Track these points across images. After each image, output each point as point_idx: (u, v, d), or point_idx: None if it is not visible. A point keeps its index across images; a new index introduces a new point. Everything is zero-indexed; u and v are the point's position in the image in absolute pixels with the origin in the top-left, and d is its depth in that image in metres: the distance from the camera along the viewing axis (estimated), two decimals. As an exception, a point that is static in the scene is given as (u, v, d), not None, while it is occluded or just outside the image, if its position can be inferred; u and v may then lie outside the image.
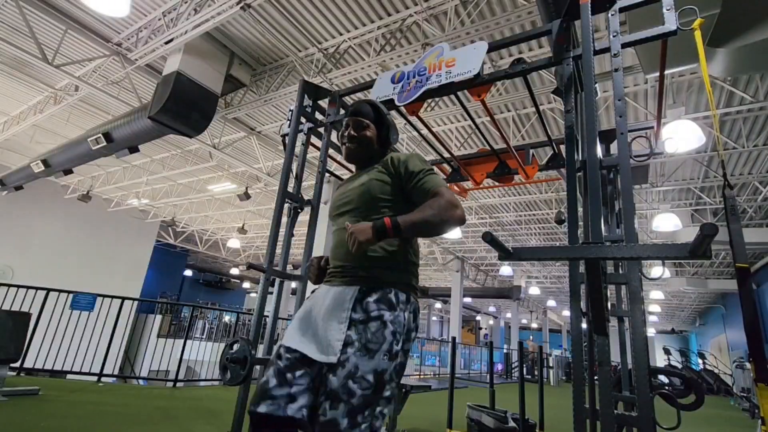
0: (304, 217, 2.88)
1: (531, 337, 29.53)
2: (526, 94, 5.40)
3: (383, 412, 1.17)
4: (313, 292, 1.45)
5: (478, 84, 2.26)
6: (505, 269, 15.35)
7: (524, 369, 5.59)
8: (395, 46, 4.99)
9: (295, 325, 1.33)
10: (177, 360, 5.77)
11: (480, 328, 29.02)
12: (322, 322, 1.26)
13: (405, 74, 2.48)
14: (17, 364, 4.52)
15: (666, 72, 2.19)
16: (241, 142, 8.09)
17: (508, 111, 6.40)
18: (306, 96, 2.93)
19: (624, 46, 1.81)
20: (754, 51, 2.74)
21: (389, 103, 2.49)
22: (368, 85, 2.76)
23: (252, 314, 4.58)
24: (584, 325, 1.82)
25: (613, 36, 1.80)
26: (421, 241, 1.31)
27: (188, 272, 21.33)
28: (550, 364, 14.34)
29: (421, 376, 12.62)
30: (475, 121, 2.86)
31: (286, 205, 2.71)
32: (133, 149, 6.48)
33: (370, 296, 1.24)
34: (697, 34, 1.73)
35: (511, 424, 3.43)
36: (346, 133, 1.50)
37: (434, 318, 31.56)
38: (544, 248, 1.63)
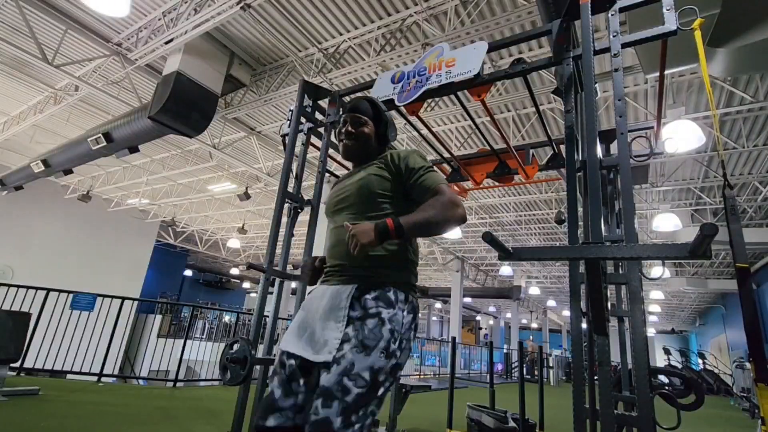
0: (304, 217, 2.88)
1: (531, 337, 29.53)
2: (526, 94, 5.40)
3: (374, 412, 1.14)
4: (310, 292, 1.43)
5: (478, 84, 2.26)
6: (505, 269, 15.35)
7: (524, 369, 5.59)
8: (395, 46, 4.99)
9: (294, 328, 1.32)
10: (177, 360, 5.77)
11: (480, 328, 29.02)
12: (320, 322, 1.25)
13: (405, 74, 2.48)
14: (17, 364, 4.52)
15: (666, 72, 2.19)
16: (241, 142, 8.09)
17: (508, 111, 6.40)
18: (306, 96, 2.94)
19: (624, 46, 1.81)
20: (754, 51, 2.74)
21: (389, 103, 2.49)
22: (368, 85, 2.76)
23: (252, 314, 4.58)
24: (584, 325, 1.82)
25: (613, 36, 1.80)
26: (420, 240, 1.29)
27: (188, 272, 21.33)
28: (550, 364, 14.34)
29: (421, 376, 12.62)
30: (475, 121, 2.86)
31: (286, 205, 2.71)
32: (133, 149, 6.48)
33: (369, 294, 1.23)
34: (697, 34, 1.73)
35: (511, 424, 3.43)
36: (343, 130, 1.48)
37: (434, 318, 31.56)
38: (544, 248, 1.63)
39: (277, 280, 2.71)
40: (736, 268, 1.57)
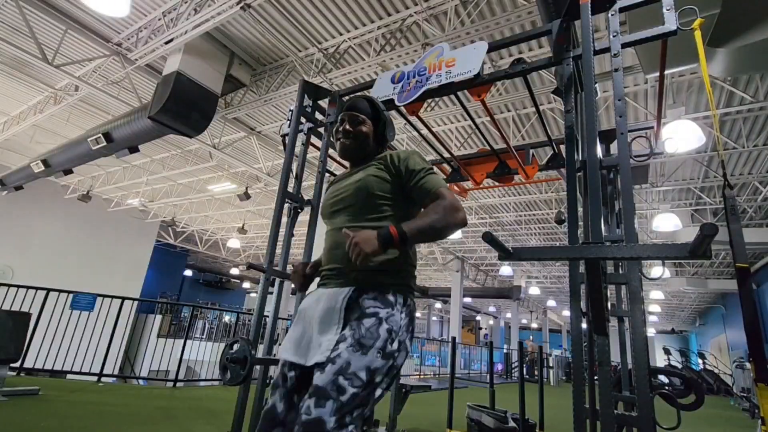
0: (304, 217, 2.88)
1: (531, 337, 29.53)
2: (526, 94, 5.40)
3: (363, 415, 1.10)
4: (308, 294, 1.41)
5: (478, 84, 2.26)
6: (505, 269, 15.35)
7: (524, 369, 5.59)
8: (395, 46, 4.99)
9: (292, 335, 1.29)
10: (177, 360, 5.77)
11: (480, 328, 29.02)
12: (317, 326, 1.22)
13: (405, 74, 2.48)
14: (17, 364, 4.52)
15: (666, 72, 2.19)
16: (241, 142, 8.09)
17: (508, 111, 6.40)
18: (306, 96, 2.94)
19: (624, 46, 1.81)
20: (754, 51, 2.74)
21: (389, 103, 2.49)
22: (368, 85, 2.76)
23: (252, 314, 4.58)
24: (584, 325, 1.82)
25: (613, 36, 1.80)
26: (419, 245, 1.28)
27: (188, 272, 21.33)
28: (550, 364, 14.34)
29: (421, 376, 12.62)
30: (475, 121, 2.86)
31: (286, 205, 2.71)
32: (133, 149, 6.48)
33: (366, 295, 1.21)
34: (697, 34, 1.73)
35: (511, 424, 3.43)
36: (340, 128, 1.44)
37: (434, 318, 31.56)
38: (544, 248, 1.63)
39: (277, 280, 2.71)
40: (736, 268, 1.57)
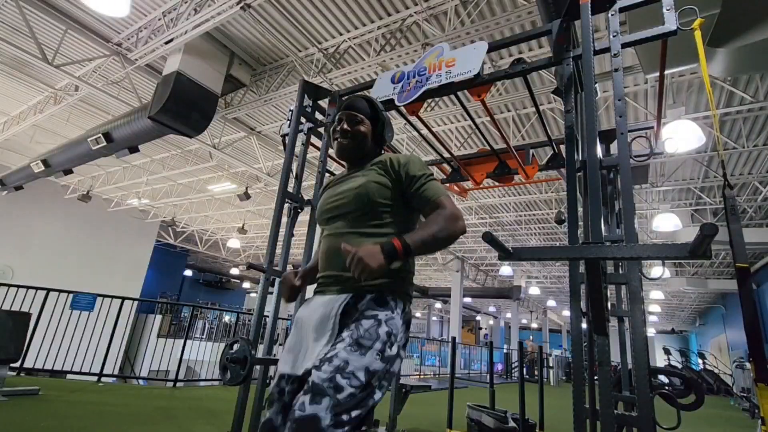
0: (304, 217, 2.89)
1: (531, 337, 29.53)
2: (526, 94, 5.40)
3: (360, 419, 1.06)
4: (304, 302, 1.36)
5: (478, 84, 2.26)
6: (505, 269, 15.35)
7: (524, 369, 5.59)
8: (395, 46, 4.99)
9: (288, 345, 1.25)
10: (177, 360, 5.77)
11: (480, 328, 29.02)
12: (313, 333, 1.19)
13: (405, 74, 2.48)
14: (17, 364, 4.52)
15: (666, 72, 2.20)
16: (241, 142, 8.09)
17: (508, 111, 6.40)
18: (306, 96, 2.94)
19: (624, 46, 1.81)
20: (754, 51, 2.74)
21: (389, 103, 2.49)
22: (368, 85, 2.76)
23: (252, 314, 4.58)
24: (584, 325, 1.82)
25: (613, 36, 1.80)
26: None
27: (188, 272, 21.33)
28: (550, 364, 14.34)
29: (421, 376, 12.62)
30: (475, 121, 2.86)
31: (286, 205, 2.71)
32: (133, 149, 6.48)
33: (365, 299, 1.18)
34: (697, 34, 1.73)
35: (511, 424, 3.43)
36: (338, 128, 1.40)
37: (434, 318, 31.55)
38: (544, 248, 1.63)
39: (277, 280, 2.71)
40: (736, 268, 1.57)
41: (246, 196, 9.68)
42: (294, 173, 2.86)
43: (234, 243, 14.80)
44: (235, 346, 2.02)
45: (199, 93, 5.48)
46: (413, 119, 2.80)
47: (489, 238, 1.33)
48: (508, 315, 25.79)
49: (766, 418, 1.43)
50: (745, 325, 1.55)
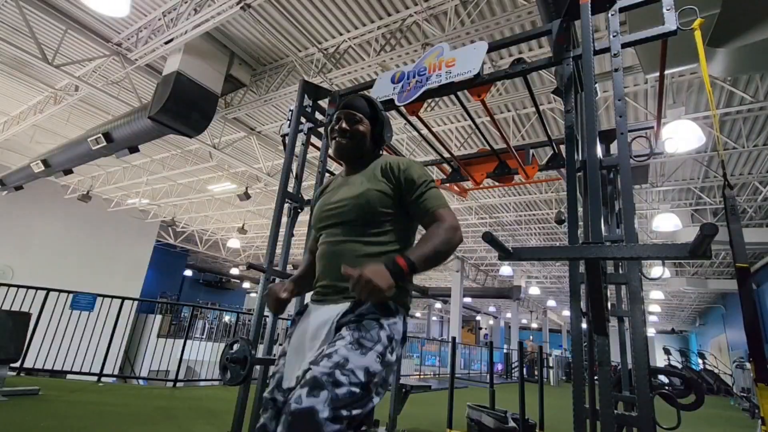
0: (304, 217, 2.88)
1: (531, 337, 29.53)
2: (526, 94, 5.40)
3: (359, 420, 1.02)
4: (299, 312, 1.33)
5: (478, 84, 2.26)
6: (505, 269, 15.35)
7: (524, 369, 5.59)
8: (395, 46, 4.99)
9: (288, 356, 1.21)
10: (177, 360, 5.77)
11: (480, 328, 29.02)
12: (309, 342, 1.16)
13: (405, 74, 2.48)
14: (17, 364, 4.52)
15: (666, 72, 2.20)
16: (241, 142, 8.09)
17: (508, 111, 6.40)
18: (306, 96, 2.94)
19: (624, 46, 1.81)
20: (754, 51, 2.74)
21: (389, 103, 2.49)
22: (368, 85, 2.76)
23: (252, 314, 4.58)
24: (584, 325, 1.82)
25: (613, 36, 1.80)
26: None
27: (188, 272, 21.32)
28: (550, 364, 14.34)
29: (421, 376, 12.62)
30: (475, 121, 2.86)
31: (286, 205, 2.71)
32: (133, 149, 6.48)
33: (365, 305, 1.15)
34: (697, 34, 1.73)
35: (511, 424, 3.43)
36: (336, 127, 1.36)
37: (434, 318, 31.55)
38: (544, 248, 1.63)
39: (277, 280, 2.71)
40: (736, 268, 1.57)
41: (246, 196, 9.68)
42: (294, 173, 2.86)
43: (234, 243, 14.80)
44: (235, 346, 2.02)
45: (199, 93, 5.48)
46: (413, 119, 2.80)
47: (489, 238, 1.33)
48: (508, 315, 25.79)
49: (766, 418, 1.43)
50: (745, 325, 1.55)
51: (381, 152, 1.45)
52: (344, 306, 1.16)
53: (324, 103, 3.04)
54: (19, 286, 4.95)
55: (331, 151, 1.41)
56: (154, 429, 3.18)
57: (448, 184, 3.64)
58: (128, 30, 5.48)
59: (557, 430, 4.40)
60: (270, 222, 2.65)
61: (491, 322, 28.68)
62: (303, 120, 2.95)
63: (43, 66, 5.45)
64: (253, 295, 24.25)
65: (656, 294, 15.46)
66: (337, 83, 5.67)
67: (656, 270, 8.51)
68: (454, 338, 4.42)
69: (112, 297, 5.56)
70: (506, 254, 1.42)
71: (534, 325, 28.44)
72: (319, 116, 3.05)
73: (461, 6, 4.49)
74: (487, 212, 10.81)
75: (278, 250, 2.60)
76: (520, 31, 4.41)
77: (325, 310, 1.20)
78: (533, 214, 10.45)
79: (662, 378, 5.69)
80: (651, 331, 23.18)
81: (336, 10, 4.82)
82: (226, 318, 16.15)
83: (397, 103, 2.47)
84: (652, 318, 22.21)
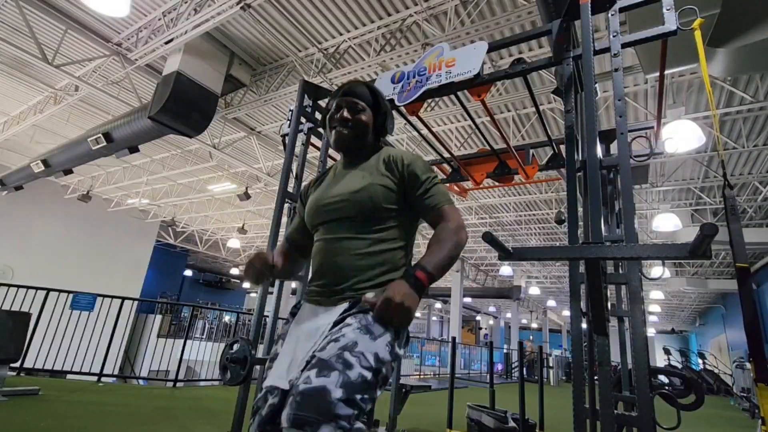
0: (304, 217, 2.88)
1: (531, 337, 29.53)
2: (526, 94, 5.40)
3: (371, 406, 0.97)
4: (293, 312, 1.25)
5: (478, 84, 2.26)
6: (505, 269, 15.35)
7: (524, 369, 5.59)
8: (395, 46, 4.99)
9: (279, 360, 1.13)
10: (177, 360, 5.77)
11: (480, 328, 29.02)
12: (306, 342, 1.08)
13: (405, 74, 2.48)
14: (17, 364, 4.51)
15: (666, 72, 2.20)
16: (241, 142, 8.09)
17: (508, 111, 6.40)
18: (306, 96, 2.94)
19: (624, 46, 1.81)
20: (754, 51, 2.74)
21: (389, 103, 2.49)
22: (368, 85, 2.75)
23: (252, 314, 4.58)
24: (584, 325, 1.82)
25: (613, 36, 1.80)
26: (417, 241, 1.22)
27: (188, 272, 21.33)
28: (550, 364, 14.34)
29: (421, 376, 12.62)
30: (475, 121, 2.86)
31: (286, 205, 2.71)
32: (133, 149, 6.48)
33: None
34: (697, 34, 1.73)
35: (511, 424, 3.43)
36: (337, 116, 1.27)
37: (434, 318, 31.56)
38: (544, 248, 1.63)
39: (277, 280, 2.71)
40: (736, 268, 1.57)
41: (246, 196, 9.68)
42: (294, 173, 2.85)
43: (234, 243, 14.80)
44: (235, 346, 2.02)
45: (199, 93, 5.48)
46: (413, 119, 2.80)
47: (489, 238, 1.33)
48: (508, 315, 25.79)
49: (766, 418, 1.43)
50: (745, 325, 1.55)
51: (381, 143, 1.38)
52: (343, 306, 1.11)
53: (324, 103, 3.04)
54: (19, 286, 4.94)
55: (330, 141, 1.32)
56: (154, 429, 3.18)
57: (448, 184, 3.64)
58: (128, 30, 5.48)
59: (557, 430, 4.40)
60: (270, 222, 2.65)
61: (491, 322, 28.68)
62: (303, 120, 2.95)
63: (43, 66, 5.45)
64: (253, 295, 24.23)
65: (656, 294, 15.46)
66: (337, 83, 5.67)
67: (656, 270, 8.51)
68: (454, 338, 4.42)
69: (112, 297, 5.56)
70: (506, 254, 1.42)
71: (534, 325, 28.45)
72: (319, 116, 3.05)
73: (461, 6, 4.49)
74: (487, 212, 10.81)
75: (278, 250, 2.60)
76: (520, 31, 4.41)
77: (323, 315, 1.13)
78: (533, 214, 10.45)
79: (662, 378, 5.69)
80: (651, 331, 23.18)
81: (336, 10, 4.82)
82: (226, 318, 16.16)
83: (397, 103, 2.47)
84: (652, 318, 22.21)
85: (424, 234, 11.96)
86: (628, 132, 1.70)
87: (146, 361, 12.11)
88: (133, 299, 6.39)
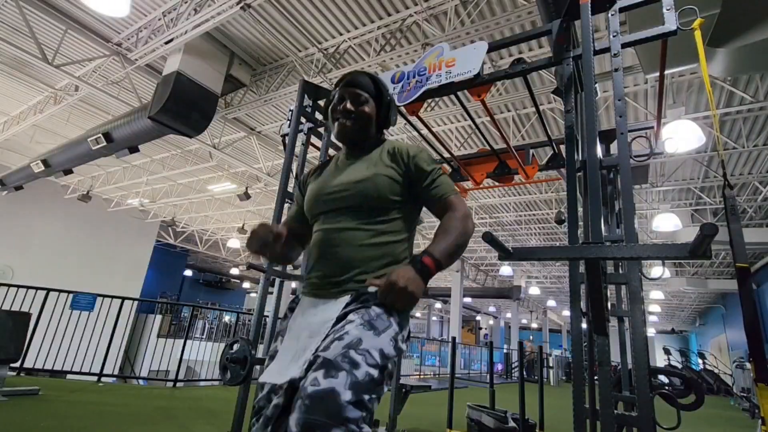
0: (304, 217, 2.87)
1: (531, 337, 29.53)
2: (526, 94, 5.40)
3: (376, 407, 0.95)
4: (291, 308, 1.22)
5: (478, 84, 2.26)
6: (505, 269, 15.35)
7: (524, 369, 5.59)
8: (395, 46, 4.99)
9: (279, 356, 1.11)
10: (177, 360, 5.77)
11: (480, 328, 29.03)
12: (308, 340, 1.05)
13: (405, 74, 2.47)
14: (17, 364, 4.51)
15: (666, 72, 2.19)
16: (241, 142, 8.09)
17: (508, 111, 6.40)
18: (306, 96, 2.94)
19: (624, 46, 1.81)
20: (754, 51, 2.74)
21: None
22: (368, 85, 2.75)
23: (252, 314, 4.58)
24: (584, 325, 1.82)
25: (613, 36, 1.80)
26: (417, 240, 1.21)
27: (188, 272, 21.33)
28: (550, 364, 14.34)
29: (421, 376, 12.62)
30: (475, 121, 2.86)
31: (286, 205, 2.71)
32: (133, 149, 6.48)
33: (369, 290, 1.08)
34: (697, 34, 1.73)
35: (511, 424, 3.43)
36: (340, 107, 1.25)
37: (434, 318, 31.56)
38: (544, 248, 1.63)
39: (277, 280, 2.71)
40: (736, 268, 1.57)
41: (246, 196, 9.68)
42: (294, 173, 2.85)
43: (234, 243, 14.79)
44: (235, 346, 2.02)
45: (199, 93, 5.48)
46: (413, 119, 2.80)
47: (489, 238, 1.32)
48: (508, 315, 25.79)
49: (766, 418, 1.43)
50: (745, 325, 1.55)
51: (382, 136, 1.36)
52: (345, 299, 1.08)
53: (324, 103, 3.04)
54: (19, 286, 4.95)
55: (333, 133, 1.30)
56: (154, 429, 3.18)
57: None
58: (128, 30, 5.48)
59: (557, 430, 4.40)
60: (270, 222, 2.65)
61: (491, 322, 28.68)
62: (303, 120, 2.95)
63: (43, 66, 5.45)
64: (253, 295, 24.24)
65: (656, 294, 15.46)
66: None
67: (656, 270, 8.51)
68: (454, 338, 4.42)
69: (112, 297, 5.56)
70: (506, 254, 1.42)
71: (534, 325, 28.45)
72: (319, 116, 3.05)
73: (461, 6, 4.49)
74: (487, 212, 10.81)
75: (278, 250, 2.60)
76: (520, 31, 4.41)
77: (323, 308, 1.10)
78: (533, 214, 10.45)
79: (662, 378, 5.69)
80: (651, 331, 23.18)
81: (336, 10, 4.82)
82: (226, 318, 16.16)
83: (397, 103, 2.47)
84: (652, 318, 22.21)
85: (424, 234, 11.96)
86: (628, 132, 1.70)
87: (146, 361, 12.11)
88: (133, 299, 6.40)
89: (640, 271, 2.00)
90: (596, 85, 2.48)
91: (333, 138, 1.52)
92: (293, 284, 2.92)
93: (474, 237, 12.68)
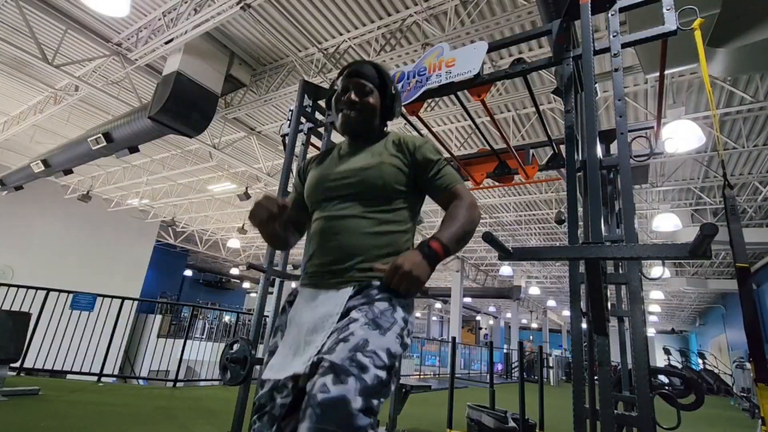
0: (304, 217, 2.87)
1: (531, 337, 29.52)
2: (526, 94, 5.40)
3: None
4: (289, 301, 1.19)
5: (478, 84, 2.26)
6: (505, 269, 15.35)
7: (524, 369, 5.59)
8: (395, 46, 4.99)
9: (276, 349, 1.10)
10: (177, 360, 5.77)
11: (480, 328, 29.03)
12: (310, 335, 1.03)
13: (405, 74, 2.48)
14: (17, 364, 4.51)
15: (666, 72, 2.19)
16: (241, 142, 8.09)
17: (508, 111, 6.40)
18: (306, 96, 2.94)
19: (624, 46, 1.81)
20: (754, 51, 2.74)
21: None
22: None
23: (252, 314, 4.58)
24: (584, 325, 1.82)
25: (613, 36, 1.80)
26: (417, 240, 1.20)
27: (188, 272, 21.32)
28: (550, 364, 14.34)
29: (421, 376, 12.62)
30: (475, 121, 2.86)
31: (286, 205, 2.71)
32: (133, 149, 6.48)
33: (372, 285, 1.05)
34: (697, 34, 1.73)
35: (511, 424, 3.43)
36: (344, 98, 1.23)
37: (434, 318, 31.55)
38: (544, 248, 1.63)
39: (277, 280, 2.71)
40: (736, 268, 1.57)
41: (246, 196, 9.68)
42: (294, 173, 2.85)
43: (234, 243, 14.80)
44: (235, 346, 2.02)
45: (199, 93, 5.48)
46: (413, 119, 2.80)
47: (489, 238, 1.32)
48: (508, 315, 25.79)
49: (766, 418, 1.43)
50: (745, 325, 1.55)
51: (386, 128, 1.35)
52: (347, 291, 1.05)
53: (324, 103, 3.04)
54: (19, 286, 4.95)
55: (336, 124, 1.29)
56: (154, 429, 3.18)
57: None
58: (128, 30, 5.48)
59: (557, 430, 4.40)
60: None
61: (491, 322, 28.68)
62: (303, 120, 2.95)
63: (43, 66, 5.45)
64: (253, 295, 24.24)
65: (656, 294, 15.46)
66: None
67: (656, 270, 8.51)
68: (454, 338, 4.42)
69: (112, 297, 5.56)
70: (506, 254, 1.42)
71: (534, 325, 28.45)
72: (319, 116, 3.05)
73: (461, 6, 4.49)
74: (487, 212, 10.81)
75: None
76: (520, 31, 4.41)
77: (324, 300, 1.07)
78: (533, 214, 10.45)
79: (662, 378, 5.69)
80: (651, 331, 23.18)
81: (336, 10, 4.82)
82: (226, 318, 16.16)
83: (397, 102, 2.46)
84: (652, 318, 22.21)
85: (424, 234, 11.96)
86: (628, 132, 1.70)
87: (146, 361, 12.10)
88: (133, 299, 6.40)
89: (640, 271, 2.00)
90: (596, 85, 2.48)
91: (336, 130, 1.49)
92: (293, 284, 2.92)
93: (474, 237, 12.69)
